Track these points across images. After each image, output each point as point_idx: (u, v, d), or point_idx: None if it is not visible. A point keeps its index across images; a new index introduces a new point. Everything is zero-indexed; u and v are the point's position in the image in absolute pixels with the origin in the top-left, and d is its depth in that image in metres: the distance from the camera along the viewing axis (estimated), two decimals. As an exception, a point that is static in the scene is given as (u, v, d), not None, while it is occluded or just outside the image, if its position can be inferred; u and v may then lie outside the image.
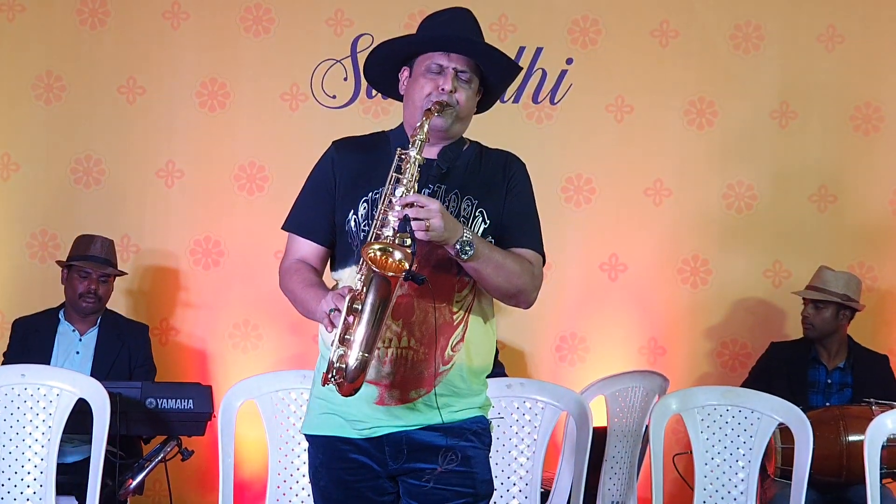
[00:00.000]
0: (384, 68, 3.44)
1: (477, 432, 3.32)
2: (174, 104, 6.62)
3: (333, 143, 3.46)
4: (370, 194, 3.30)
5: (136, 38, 6.61)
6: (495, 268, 3.19)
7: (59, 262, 5.97)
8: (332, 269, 3.41)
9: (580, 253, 6.63)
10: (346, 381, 3.03)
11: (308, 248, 3.40)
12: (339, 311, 3.04)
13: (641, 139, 6.67)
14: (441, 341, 3.25)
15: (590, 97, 6.66)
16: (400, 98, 3.45)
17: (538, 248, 3.36)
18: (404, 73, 3.40)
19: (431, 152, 3.31)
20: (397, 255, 3.00)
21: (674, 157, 6.68)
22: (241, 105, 6.64)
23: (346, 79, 6.61)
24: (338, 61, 6.62)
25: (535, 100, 6.66)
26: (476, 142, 3.45)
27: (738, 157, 6.68)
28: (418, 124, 3.20)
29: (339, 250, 3.37)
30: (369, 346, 3.02)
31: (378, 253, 3.00)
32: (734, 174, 6.67)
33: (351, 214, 3.31)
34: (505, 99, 6.59)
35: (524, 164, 3.43)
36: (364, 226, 3.28)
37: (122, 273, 6.00)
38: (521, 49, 6.58)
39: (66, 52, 6.59)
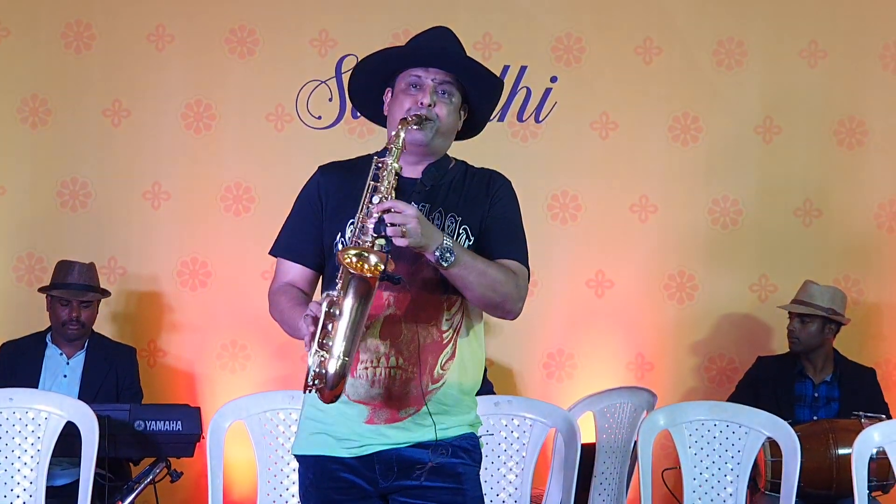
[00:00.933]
0: (369, 94, 3.44)
1: (467, 449, 3.31)
2: (160, 126, 6.62)
3: (319, 167, 3.44)
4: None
5: (121, 61, 6.62)
6: (478, 275, 3.16)
7: (40, 290, 5.96)
8: (323, 292, 3.41)
9: (567, 270, 6.64)
10: (327, 387, 2.99)
11: (296, 272, 3.39)
12: (312, 316, 3.00)
13: (626, 156, 6.70)
14: (430, 360, 3.24)
15: (574, 114, 6.68)
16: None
17: (522, 259, 3.32)
18: (388, 95, 3.40)
19: (416, 171, 3.31)
20: (373, 258, 2.99)
21: (659, 173, 6.71)
22: (226, 126, 6.64)
23: (331, 99, 6.63)
24: (323, 82, 6.64)
25: (519, 118, 6.68)
26: (462, 161, 3.44)
27: (723, 172, 6.71)
28: (394, 133, 3.19)
29: (328, 273, 3.35)
30: (348, 349, 2.99)
31: (354, 258, 2.99)
32: (719, 189, 6.70)
33: (339, 237, 3.29)
34: (490, 118, 6.59)
35: (509, 181, 3.41)
36: None
37: (105, 294, 5.99)
38: (506, 67, 6.60)
39: (52, 75, 6.60)
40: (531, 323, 6.41)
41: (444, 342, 3.27)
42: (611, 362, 6.64)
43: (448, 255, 3.09)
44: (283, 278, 3.39)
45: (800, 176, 6.71)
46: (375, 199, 3.11)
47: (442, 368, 3.26)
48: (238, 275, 6.56)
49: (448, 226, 3.28)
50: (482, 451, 3.40)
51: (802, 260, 6.61)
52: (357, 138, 6.57)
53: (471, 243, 3.27)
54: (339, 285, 3.04)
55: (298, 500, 4.68)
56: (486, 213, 3.31)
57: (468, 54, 3.38)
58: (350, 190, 3.30)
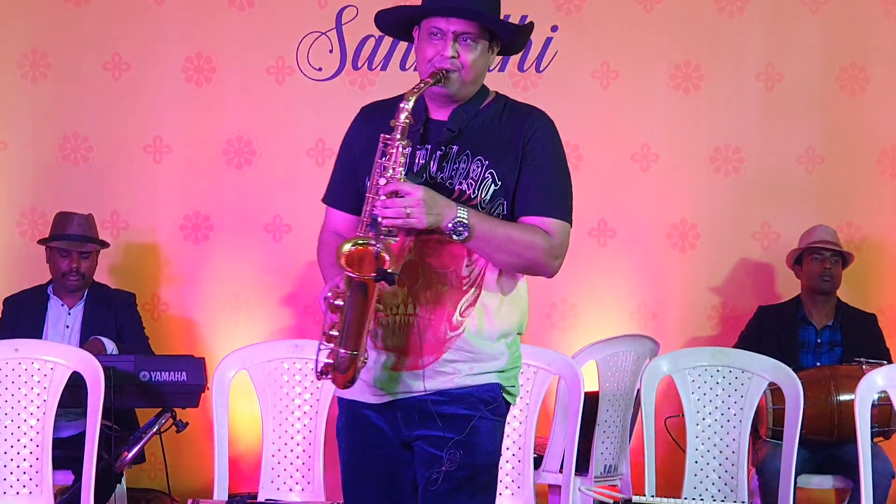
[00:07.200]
0: (396, 28, 3.41)
1: (486, 401, 3.26)
2: (160, 79, 6.61)
3: (361, 109, 3.43)
4: (383, 159, 3.24)
5: (120, 14, 6.59)
6: (497, 246, 3.17)
7: (39, 242, 5.97)
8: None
9: (568, 220, 6.64)
10: (339, 372, 3.10)
11: (339, 219, 3.40)
12: (329, 301, 3.09)
13: (628, 105, 6.68)
14: (448, 307, 3.21)
15: (575, 64, 6.66)
16: None
17: (556, 213, 3.24)
18: (416, 32, 3.35)
19: (445, 113, 3.28)
20: (365, 261, 3.05)
21: (660, 122, 6.69)
22: (227, 79, 6.63)
23: (331, 51, 6.61)
24: (323, 33, 6.62)
25: (520, 68, 6.66)
26: (501, 96, 3.38)
27: (724, 120, 6.69)
28: (401, 104, 3.16)
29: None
30: (352, 343, 3.07)
31: (351, 258, 3.05)
32: (721, 137, 6.68)
33: (366, 180, 3.26)
34: (491, 68, 6.56)
35: (549, 122, 3.33)
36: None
37: (104, 245, 5.98)
38: (506, 17, 6.52)
39: (51, 29, 6.58)
40: (534, 272, 6.41)
41: (464, 288, 3.23)
42: (613, 311, 6.65)
43: (461, 229, 3.12)
44: (330, 226, 3.41)
45: (802, 123, 6.70)
46: (382, 181, 3.12)
47: (461, 315, 3.22)
48: (240, 228, 6.59)
49: (474, 170, 3.23)
50: (511, 399, 3.35)
51: (805, 207, 6.61)
52: (358, 89, 6.55)
53: (497, 188, 3.23)
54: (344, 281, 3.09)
55: (304, 448, 4.76)
56: (518, 162, 3.25)
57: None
58: (376, 131, 3.27)
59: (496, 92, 3.38)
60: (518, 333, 3.36)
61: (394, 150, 3.14)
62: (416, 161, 3.26)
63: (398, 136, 3.14)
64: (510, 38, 3.35)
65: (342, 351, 3.08)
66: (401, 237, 3.16)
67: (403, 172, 3.14)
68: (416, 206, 3.07)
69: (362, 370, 3.19)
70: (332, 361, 3.09)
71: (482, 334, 3.25)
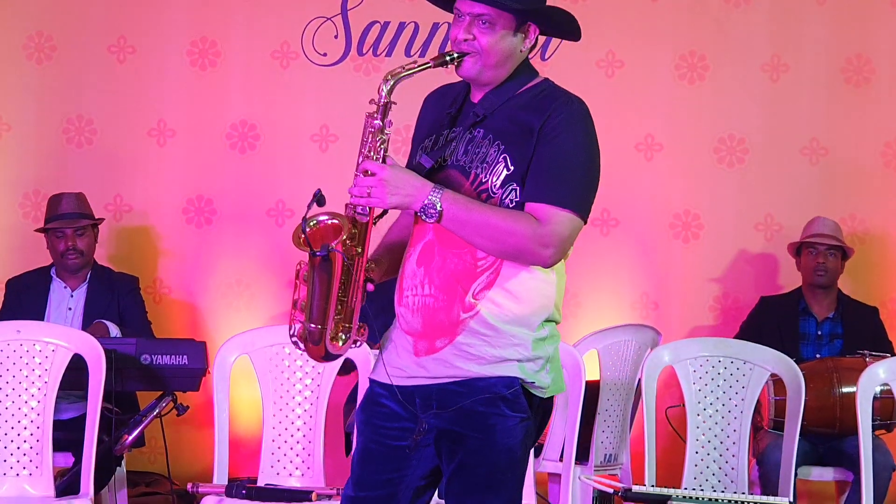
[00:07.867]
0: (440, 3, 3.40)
1: (505, 398, 3.17)
2: (165, 63, 6.64)
3: (425, 97, 3.43)
4: (426, 141, 3.27)
5: (126, -3, 6.63)
6: (475, 231, 3.12)
7: (36, 231, 5.97)
8: None
9: (572, 208, 6.63)
10: (311, 343, 3.15)
11: None
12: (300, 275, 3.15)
13: (632, 94, 6.68)
14: (460, 288, 3.17)
15: (580, 53, 6.62)
16: None
17: (556, 200, 3.14)
18: None
19: (476, 97, 3.27)
20: (300, 234, 3.10)
21: (665, 112, 6.69)
22: (231, 63, 6.65)
23: (336, 36, 6.61)
24: (328, 19, 6.62)
25: (525, 56, 6.64)
26: (547, 81, 3.30)
27: (729, 110, 6.68)
28: (382, 83, 3.16)
29: None
30: (319, 318, 3.12)
31: (304, 231, 3.11)
32: (725, 128, 6.67)
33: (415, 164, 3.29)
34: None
35: (575, 111, 3.25)
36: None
37: (99, 221, 5.97)
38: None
39: (56, 11, 6.60)
40: (536, 261, 6.41)
41: (479, 270, 3.17)
42: (615, 301, 6.65)
43: (431, 210, 3.10)
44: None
45: (806, 114, 6.69)
46: (360, 159, 3.15)
47: (474, 297, 3.16)
48: (243, 212, 6.61)
49: (491, 154, 3.18)
50: (540, 392, 3.23)
51: (808, 199, 6.59)
52: (363, 75, 6.56)
53: (509, 173, 3.16)
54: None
55: (304, 433, 4.77)
56: (534, 146, 3.17)
57: None
58: (428, 116, 3.32)
59: (545, 78, 3.31)
60: (548, 321, 3.27)
61: (372, 129, 3.16)
62: (440, 141, 3.26)
63: (378, 115, 3.15)
64: (538, 21, 3.26)
65: (312, 325, 3.13)
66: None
67: (385, 150, 3.15)
68: (376, 185, 3.08)
69: (388, 352, 3.25)
70: (301, 332, 3.15)
71: (497, 318, 3.17)
